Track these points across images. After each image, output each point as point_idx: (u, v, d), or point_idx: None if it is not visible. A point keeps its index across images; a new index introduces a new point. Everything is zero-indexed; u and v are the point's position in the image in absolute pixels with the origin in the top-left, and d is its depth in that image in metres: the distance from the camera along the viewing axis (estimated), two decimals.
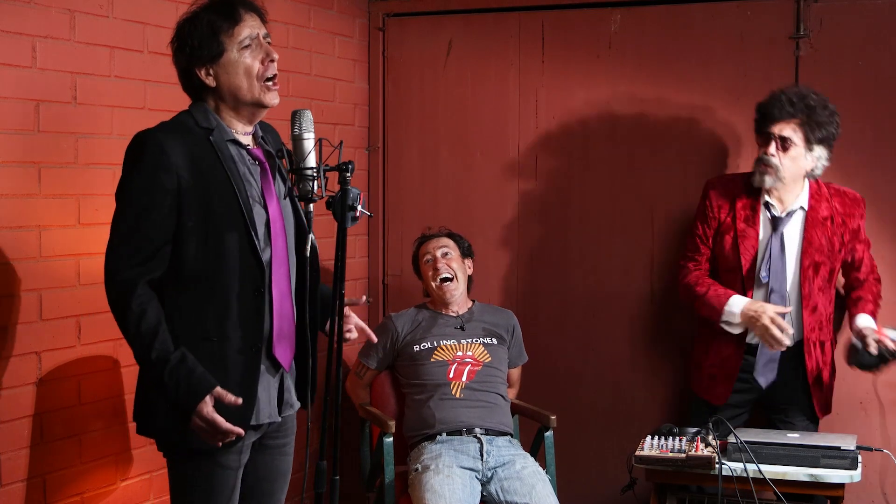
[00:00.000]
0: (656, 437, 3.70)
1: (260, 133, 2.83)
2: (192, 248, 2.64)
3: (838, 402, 4.13)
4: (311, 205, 2.67)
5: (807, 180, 3.85)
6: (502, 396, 4.07)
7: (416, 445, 3.97)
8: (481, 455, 3.84)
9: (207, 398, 2.56)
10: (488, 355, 4.10)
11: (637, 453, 3.65)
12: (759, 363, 3.83)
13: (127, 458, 3.53)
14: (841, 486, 3.52)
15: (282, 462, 2.93)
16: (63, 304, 3.27)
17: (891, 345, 3.67)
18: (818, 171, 3.84)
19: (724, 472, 3.51)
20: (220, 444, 2.62)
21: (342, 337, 2.69)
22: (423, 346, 4.08)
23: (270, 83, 2.73)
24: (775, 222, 3.82)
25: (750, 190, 3.87)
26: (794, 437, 3.64)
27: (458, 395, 3.98)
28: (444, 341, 4.08)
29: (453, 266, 4.15)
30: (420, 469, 3.78)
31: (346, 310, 2.91)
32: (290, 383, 2.87)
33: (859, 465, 3.54)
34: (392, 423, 3.90)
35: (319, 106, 4.42)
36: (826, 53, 4.15)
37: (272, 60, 2.72)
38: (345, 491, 3.44)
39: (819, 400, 3.89)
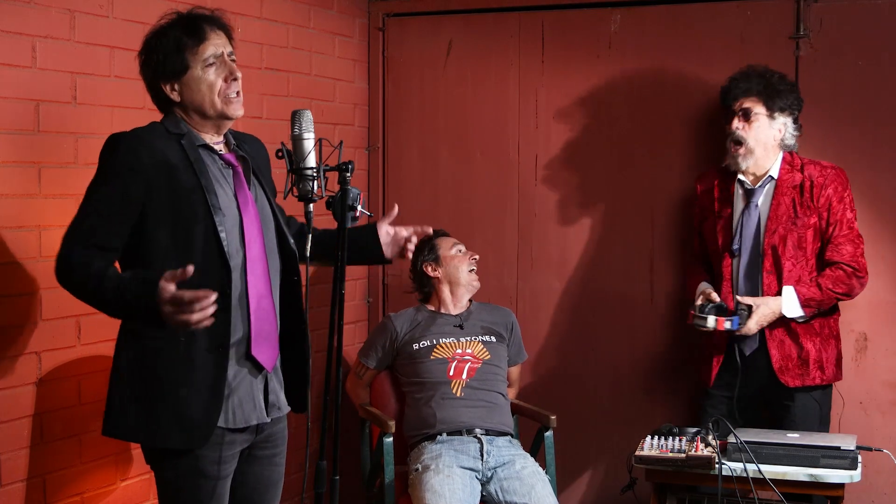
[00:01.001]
0: (656, 437, 3.70)
1: (233, 141, 2.85)
2: (161, 248, 2.67)
3: (838, 402, 4.13)
4: (311, 205, 2.68)
5: (781, 152, 3.91)
6: (502, 395, 4.07)
7: (416, 445, 3.97)
8: (481, 455, 3.84)
9: (161, 283, 2.50)
10: (487, 353, 4.10)
11: (637, 453, 3.65)
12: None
13: (127, 458, 3.53)
14: (841, 486, 3.52)
15: (272, 472, 2.93)
16: (63, 304, 3.27)
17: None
18: (790, 141, 3.91)
19: (724, 472, 3.51)
20: (198, 322, 2.52)
21: (342, 334, 2.69)
22: (422, 344, 4.08)
23: (233, 96, 2.76)
24: (748, 195, 3.91)
25: (727, 173, 3.99)
26: (794, 437, 3.64)
27: (458, 394, 3.99)
28: (443, 339, 4.09)
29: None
30: (420, 469, 3.78)
31: (392, 228, 3.10)
32: (276, 385, 2.87)
33: (859, 465, 3.53)
34: (392, 423, 3.90)
35: (319, 106, 4.42)
36: (826, 53, 4.15)
37: (234, 79, 2.76)
38: (345, 491, 3.44)
39: (783, 363, 3.83)
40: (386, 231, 3.12)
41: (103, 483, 3.45)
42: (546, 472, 3.88)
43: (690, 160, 4.32)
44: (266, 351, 2.79)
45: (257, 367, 2.79)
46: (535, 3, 4.55)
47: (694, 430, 3.71)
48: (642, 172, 4.43)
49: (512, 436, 4.05)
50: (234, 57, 2.79)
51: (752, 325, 3.78)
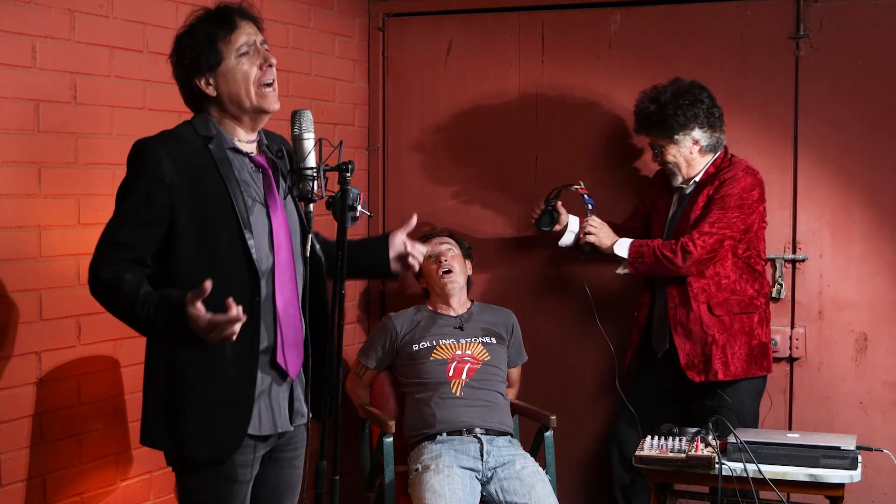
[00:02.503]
0: (656, 437, 3.70)
1: (265, 141, 2.83)
2: (187, 258, 2.64)
3: (838, 402, 4.14)
4: (311, 205, 2.67)
5: (711, 156, 3.96)
6: (502, 395, 4.08)
7: (416, 445, 3.97)
8: (481, 455, 3.84)
9: (189, 310, 2.46)
10: (487, 354, 4.10)
11: (637, 453, 3.65)
12: (653, 329, 4.10)
13: (127, 458, 3.53)
14: (841, 486, 3.52)
15: (291, 475, 2.92)
16: (63, 304, 3.27)
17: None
18: (710, 145, 3.94)
19: (724, 472, 3.52)
20: (229, 337, 2.49)
21: (342, 334, 2.69)
22: (422, 344, 4.08)
23: (269, 88, 2.73)
24: (681, 199, 4.05)
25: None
26: (794, 436, 3.64)
27: (458, 394, 3.99)
28: (443, 340, 4.09)
29: (455, 265, 4.17)
30: (420, 469, 3.78)
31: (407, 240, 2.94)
32: (299, 392, 2.85)
33: (859, 465, 3.54)
34: (392, 423, 3.90)
35: (319, 106, 4.42)
36: (826, 53, 4.15)
37: (270, 65, 2.73)
38: (345, 491, 3.44)
39: (689, 359, 3.91)
40: (401, 241, 2.95)
41: (103, 483, 3.45)
42: (546, 472, 3.88)
43: None
44: (292, 358, 2.77)
45: (282, 375, 2.77)
46: (535, 3, 4.55)
47: (694, 430, 3.71)
48: (643, 172, 4.43)
49: (512, 435, 4.05)
50: (266, 45, 2.77)
51: (593, 232, 4.05)
